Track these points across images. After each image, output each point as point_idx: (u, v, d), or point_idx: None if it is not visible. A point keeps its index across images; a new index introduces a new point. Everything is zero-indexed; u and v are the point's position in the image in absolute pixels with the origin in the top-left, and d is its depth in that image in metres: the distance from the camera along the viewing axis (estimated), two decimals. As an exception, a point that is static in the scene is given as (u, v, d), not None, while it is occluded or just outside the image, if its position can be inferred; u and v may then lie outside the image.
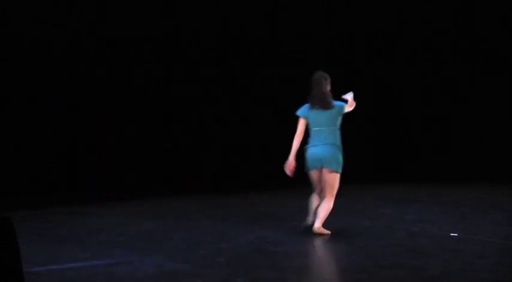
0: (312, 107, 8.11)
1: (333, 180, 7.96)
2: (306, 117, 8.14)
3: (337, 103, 8.11)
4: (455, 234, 7.70)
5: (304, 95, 13.44)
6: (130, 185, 12.32)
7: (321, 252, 7.03)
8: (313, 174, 8.07)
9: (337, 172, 7.97)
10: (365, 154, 13.34)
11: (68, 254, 7.06)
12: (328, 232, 7.94)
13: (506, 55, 12.86)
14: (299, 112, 8.20)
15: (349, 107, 8.08)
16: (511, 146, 12.70)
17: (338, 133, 8.07)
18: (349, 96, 8.08)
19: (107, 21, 12.78)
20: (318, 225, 7.91)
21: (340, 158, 8.02)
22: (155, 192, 12.01)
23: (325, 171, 7.97)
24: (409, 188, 12.06)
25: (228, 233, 8.19)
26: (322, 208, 7.93)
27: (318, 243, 7.55)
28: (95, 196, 11.58)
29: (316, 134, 8.07)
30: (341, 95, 8.06)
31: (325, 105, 8.06)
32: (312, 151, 8.05)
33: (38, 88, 12.25)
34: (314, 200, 8.16)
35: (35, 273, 6.15)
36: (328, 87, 8.16)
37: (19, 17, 12.12)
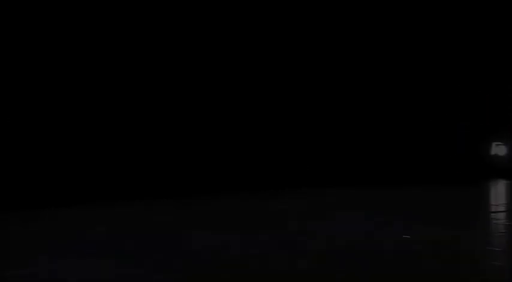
0: None
1: None
2: None
3: None
4: (408, 237, 7.80)
5: (304, 95, 13.50)
6: (107, 187, 12.42)
7: (277, 256, 7.03)
8: None
9: None
10: (349, 158, 13.31)
11: (18, 260, 7.00)
12: None
13: (506, 55, 12.69)
14: None
15: None
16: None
17: None
18: None
19: (107, 21, 12.89)
20: None
21: None
22: (123, 195, 12.05)
23: None
24: (360, 193, 12.24)
25: (186, 236, 8.17)
26: None
27: (275, 246, 7.57)
28: (65, 198, 11.60)
29: None
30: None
31: None
32: None
33: (38, 88, 12.41)
34: None
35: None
36: None
37: (19, 17, 12.28)
